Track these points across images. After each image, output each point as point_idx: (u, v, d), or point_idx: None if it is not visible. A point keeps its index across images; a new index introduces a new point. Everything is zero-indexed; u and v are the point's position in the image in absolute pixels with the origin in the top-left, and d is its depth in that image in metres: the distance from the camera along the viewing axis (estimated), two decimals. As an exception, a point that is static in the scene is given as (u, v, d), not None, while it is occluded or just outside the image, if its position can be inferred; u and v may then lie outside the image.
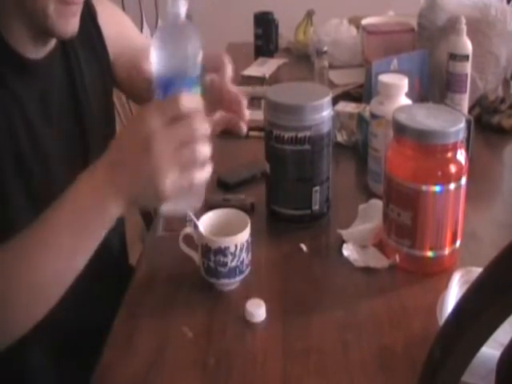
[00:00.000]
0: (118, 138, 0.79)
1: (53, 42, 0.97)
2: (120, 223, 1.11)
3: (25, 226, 0.88)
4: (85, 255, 0.78)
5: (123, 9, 1.98)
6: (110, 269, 1.08)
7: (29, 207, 0.92)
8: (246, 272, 0.94)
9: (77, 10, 0.91)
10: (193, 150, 0.74)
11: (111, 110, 1.19)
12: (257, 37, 2.07)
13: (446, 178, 0.92)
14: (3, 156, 0.89)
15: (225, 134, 1.50)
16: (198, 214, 0.94)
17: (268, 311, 0.88)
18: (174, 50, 0.78)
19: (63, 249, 0.77)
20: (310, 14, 2.12)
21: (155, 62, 0.77)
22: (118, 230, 1.17)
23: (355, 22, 1.96)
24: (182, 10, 0.77)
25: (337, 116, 1.34)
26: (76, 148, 1.04)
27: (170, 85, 0.77)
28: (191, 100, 0.75)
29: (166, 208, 0.80)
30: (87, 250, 0.78)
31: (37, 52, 0.94)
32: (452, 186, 0.92)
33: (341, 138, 1.40)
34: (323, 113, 1.05)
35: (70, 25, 0.91)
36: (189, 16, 0.78)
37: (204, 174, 0.76)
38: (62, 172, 0.98)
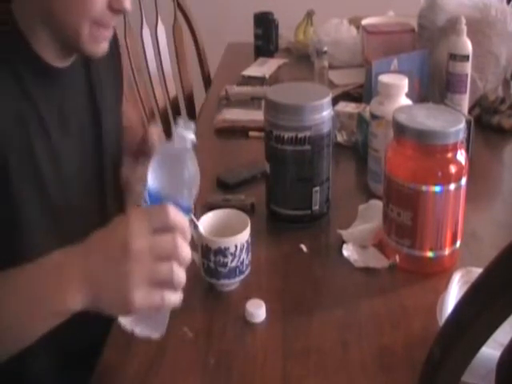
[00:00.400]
0: (98, 234, 0.73)
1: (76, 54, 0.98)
2: (99, 219, 1.09)
3: (35, 236, 0.90)
4: (27, 334, 0.74)
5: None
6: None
7: (42, 216, 0.93)
8: (246, 272, 0.94)
9: (109, 34, 0.93)
10: (170, 269, 0.71)
11: (121, 129, 1.19)
12: (257, 37, 2.07)
13: (446, 179, 0.92)
14: (19, 162, 0.89)
15: (225, 134, 1.51)
16: (198, 215, 0.94)
17: (268, 311, 0.88)
18: (171, 174, 0.76)
19: (10, 313, 0.73)
20: (310, 14, 2.12)
21: (151, 176, 0.76)
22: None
23: (355, 22, 1.96)
24: (190, 136, 0.76)
25: (337, 116, 1.34)
26: (90, 159, 1.05)
27: (161, 200, 0.75)
28: (179, 215, 0.72)
29: (125, 323, 0.75)
30: (29, 328, 0.74)
31: (61, 61, 0.95)
32: (452, 186, 0.92)
33: (341, 138, 1.40)
34: (323, 113, 1.05)
35: (101, 48, 0.93)
36: (194, 145, 0.78)
37: (175, 297, 0.73)
38: (74, 179, 1.00)
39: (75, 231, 0.94)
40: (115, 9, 0.89)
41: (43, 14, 0.89)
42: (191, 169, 0.77)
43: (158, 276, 0.70)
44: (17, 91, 0.89)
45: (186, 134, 0.76)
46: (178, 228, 0.71)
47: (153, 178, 0.76)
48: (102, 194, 1.09)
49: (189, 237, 0.74)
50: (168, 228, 0.71)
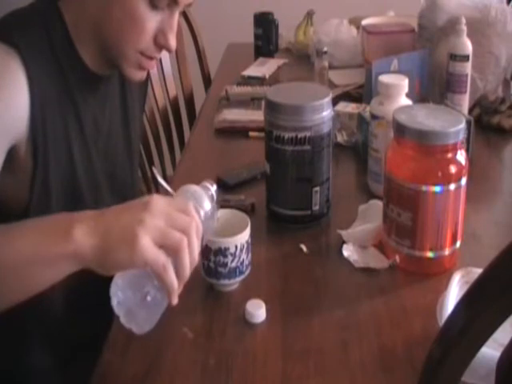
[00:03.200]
0: (118, 206, 0.77)
1: None
2: None
3: None
4: (33, 280, 0.74)
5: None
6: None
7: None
8: (246, 272, 0.94)
9: (153, 65, 0.96)
10: (181, 239, 0.72)
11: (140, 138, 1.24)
12: (257, 37, 2.07)
13: (446, 179, 0.92)
14: (56, 157, 0.91)
15: (225, 134, 1.51)
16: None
17: (268, 311, 0.88)
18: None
19: (17, 257, 0.73)
20: (310, 15, 2.12)
21: None
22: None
23: (355, 22, 1.96)
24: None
25: (337, 116, 1.34)
26: (120, 166, 1.08)
27: None
28: (198, 217, 0.76)
29: (121, 315, 0.74)
30: (36, 275, 0.74)
31: (102, 70, 0.97)
32: (452, 186, 0.92)
33: (341, 138, 1.40)
34: (323, 113, 1.05)
35: (140, 75, 0.96)
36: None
37: (174, 282, 0.73)
38: (105, 185, 1.04)
39: None
40: (160, 44, 0.91)
41: (95, 29, 0.91)
42: (207, 207, 0.82)
43: (169, 239, 0.71)
44: (61, 87, 0.91)
45: (209, 186, 0.84)
46: (195, 219, 0.74)
47: None
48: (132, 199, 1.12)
49: (200, 238, 0.76)
50: (187, 212, 0.74)
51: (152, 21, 0.88)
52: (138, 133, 1.17)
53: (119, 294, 0.73)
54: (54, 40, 0.90)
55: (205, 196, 0.82)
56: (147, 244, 0.70)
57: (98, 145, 1.00)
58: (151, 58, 0.93)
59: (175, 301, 0.74)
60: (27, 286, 0.74)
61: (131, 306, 0.74)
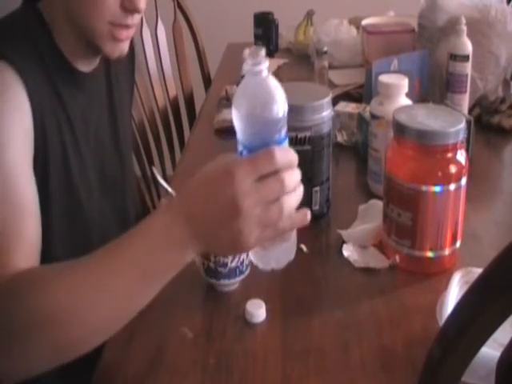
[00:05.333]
0: (200, 188, 0.70)
1: (99, 58, 1.00)
2: (121, 221, 1.11)
3: (61, 234, 0.93)
4: (140, 303, 0.71)
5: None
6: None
7: (69, 216, 0.97)
8: (246, 272, 0.94)
9: (128, 35, 0.94)
10: (280, 206, 0.68)
11: (131, 130, 1.25)
12: (257, 37, 2.06)
13: (446, 179, 0.92)
14: (54, 160, 0.92)
15: (225, 134, 1.51)
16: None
17: (268, 311, 0.88)
18: (259, 115, 0.69)
19: (119, 292, 0.69)
20: (310, 14, 2.12)
21: (239, 127, 0.70)
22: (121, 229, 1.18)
23: (355, 22, 1.96)
24: (264, 66, 0.70)
25: (337, 116, 1.34)
26: (109, 162, 1.08)
27: (258, 147, 0.69)
28: (285, 154, 0.69)
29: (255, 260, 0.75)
30: (145, 296, 0.70)
31: (84, 65, 0.97)
32: (452, 186, 0.92)
33: (341, 138, 1.40)
34: (323, 113, 1.05)
35: (119, 48, 0.94)
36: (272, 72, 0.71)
37: (291, 223, 0.71)
38: (97, 181, 1.04)
39: (98, 232, 0.96)
40: (128, 9, 0.90)
41: (66, 15, 0.91)
42: (276, 97, 0.69)
43: (270, 220, 0.68)
44: (50, 90, 0.91)
45: (259, 66, 0.70)
46: (285, 167, 0.69)
47: (242, 128, 0.70)
48: (122, 195, 1.12)
49: (296, 164, 0.71)
50: (275, 172, 0.68)
51: None
52: (128, 127, 1.17)
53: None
54: (38, 44, 0.90)
55: (267, 86, 0.70)
56: (252, 247, 0.70)
57: (89, 142, 1.01)
58: (124, 27, 0.91)
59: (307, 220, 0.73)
60: (136, 308, 0.71)
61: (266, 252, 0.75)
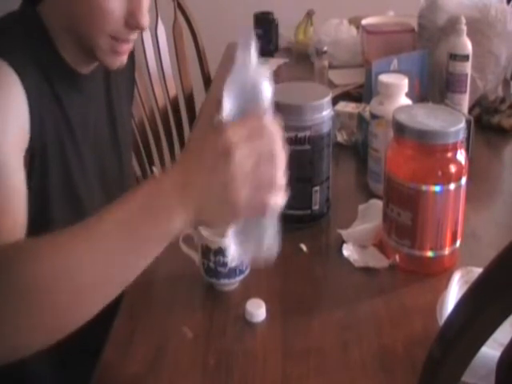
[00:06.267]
0: (194, 144, 0.72)
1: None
2: None
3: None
4: (130, 269, 0.69)
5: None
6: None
7: (70, 216, 0.95)
8: (246, 272, 0.94)
9: (128, 48, 0.94)
10: (271, 170, 0.68)
11: (131, 132, 1.24)
12: (257, 37, 2.06)
13: (446, 178, 0.92)
14: (53, 161, 0.92)
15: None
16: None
17: (268, 311, 0.88)
18: (246, 103, 0.71)
19: (107, 253, 0.68)
20: (309, 14, 2.12)
21: (227, 107, 0.71)
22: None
23: (355, 22, 1.96)
24: (253, 57, 0.72)
25: (337, 116, 1.34)
26: (109, 163, 1.08)
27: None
28: (272, 121, 0.70)
29: (232, 253, 0.73)
30: (134, 262, 0.69)
31: (83, 67, 0.97)
32: (452, 186, 0.92)
33: (341, 137, 1.40)
34: (323, 113, 1.05)
35: (119, 61, 0.95)
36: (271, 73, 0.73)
37: (278, 199, 0.69)
38: (97, 182, 1.04)
39: None
40: (132, 26, 0.90)
41: (68, 22, 0.91)
42: (264, 88, 0.71)
43: (261, 177, 0.68)
44: (48, 90, 0.91)
45: (249, 57, 0.72)
46: (273, 129, 0.69)
47: (228, 109, 0.71)
48: (122, 195, 1.13)
49: (282, 137, 0.71)
50: (264, 130, 0.69)
51: (117, 2, 0.87)
52: (127, 127, 1.17)
53: (238, 251, 0.73)
54: (36, 45, 0.90)
55: (261, 81, 0.71)
56: (242, 203, 0.67)
57: (87, 142, 1.01)
58: (125, 42, 0.92)
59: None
60: (126, 275, 0.70)
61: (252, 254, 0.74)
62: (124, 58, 0.95)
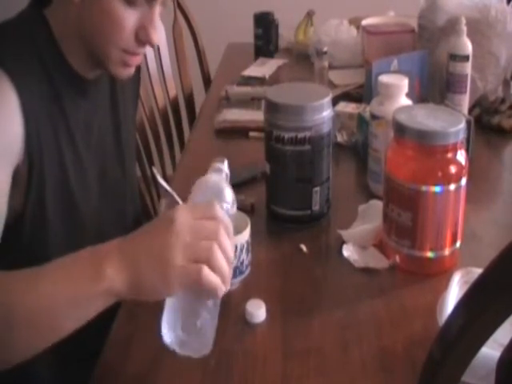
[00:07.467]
0: (141, 229, 0.74)
1: None
2: (119, 223, 1.11)
3: (58, 238, 0.93)
4: (65, 324, 0.72)
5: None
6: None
7: (67, 224, 0.97)
8: (246, 273, 0.94)
9: (137, 61, 0.95)
10: (210, 247, 0.69)
11: (135, 140, 1.26)
12: (257, 37, 2.07)
13: (446, 179, 0.92)
14: (50, 166, 0.91)
15: (225, 134, 1.51)
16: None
17: (268, 312, 0.88)
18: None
19: (44, 303, 0.71)
20: (310, 15, 2.12)
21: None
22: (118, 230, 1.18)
23: (355, 22, 1.96)
24: (225, 169, 0.81)
25: (337, 116, 1.34)
26: (110, 170, 1.08)
27: None
28: (224, 214, 0.73)
29: (169, 341, 0.73)
30: (67, 318, 0.72)
31: (89, 72, 0.97)
32: (452, 186, 0.92)
33: (341, 138, 1.40)
34: (323, 113, 1.05)
35: (127, 72, 0.96)
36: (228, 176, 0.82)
37: (215, 280, 0.70)
38: (96, 189, 1.04)
39: (95, 234, 0.97)
40: (142, 41, 0.91)
41: (79, 32, 0.91)
42: (228, 198, 0.79)
43: (198, 251, 0.69)
44: (49, 93, 0.91)
45: (222, 166, 0.81)
46: (221, 221, 0.72)
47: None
48: (122, 198, 1.13)
49: (231, 234, 0.73)
50: (214, 217, 0.72)
51: (130, 18, 0.88)
52: (131, 133, 1.17)
53: (170, 335, 0.73)
54: (41, 48, 0.90)
55: (223, 184, 0.80)
56: (179, 268, 0.69)
57: (90, 147, 1.01)
58: (135, 55, 0.93)
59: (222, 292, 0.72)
60: (60, 329, 0.72)
61: (184, 339, 0.73)
62: (132, 70, 0.96)
